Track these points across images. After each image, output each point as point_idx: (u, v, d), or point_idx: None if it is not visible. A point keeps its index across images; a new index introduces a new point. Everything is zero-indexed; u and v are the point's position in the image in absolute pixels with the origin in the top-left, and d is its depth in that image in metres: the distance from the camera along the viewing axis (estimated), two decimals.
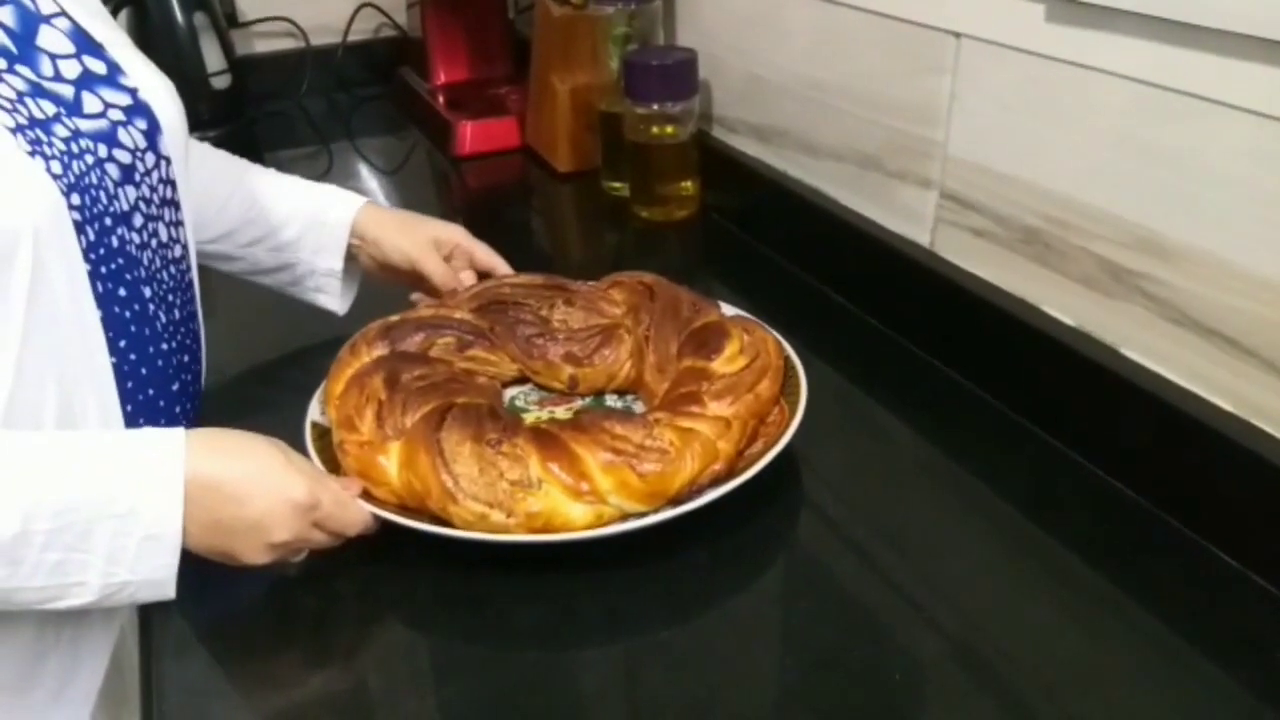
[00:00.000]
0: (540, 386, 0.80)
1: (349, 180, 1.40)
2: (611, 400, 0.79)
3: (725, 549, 0.67)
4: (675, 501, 0.64)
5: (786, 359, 0.76)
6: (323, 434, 0.72)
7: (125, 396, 0.65)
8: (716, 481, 0.65)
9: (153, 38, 1.43)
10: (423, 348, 0.76)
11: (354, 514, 0.64)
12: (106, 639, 0.70)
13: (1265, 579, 0.61)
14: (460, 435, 0.65)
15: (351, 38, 1.68)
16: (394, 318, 0.79)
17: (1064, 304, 0.75)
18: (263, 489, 0.59)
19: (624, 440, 0.64)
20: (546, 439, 0.65)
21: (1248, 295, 0.61)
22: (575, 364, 0.78)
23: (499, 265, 0.89)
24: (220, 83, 1.48)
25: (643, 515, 0.64)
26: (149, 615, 0.64)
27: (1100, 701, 0.55)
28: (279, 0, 1.62)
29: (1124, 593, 0.62)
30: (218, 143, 1.45)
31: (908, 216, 0.88)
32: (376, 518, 0.65)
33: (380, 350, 0.75)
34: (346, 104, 1.68)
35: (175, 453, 0.57)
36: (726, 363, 0.73)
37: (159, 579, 0.57)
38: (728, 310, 0.82)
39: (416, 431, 0.66)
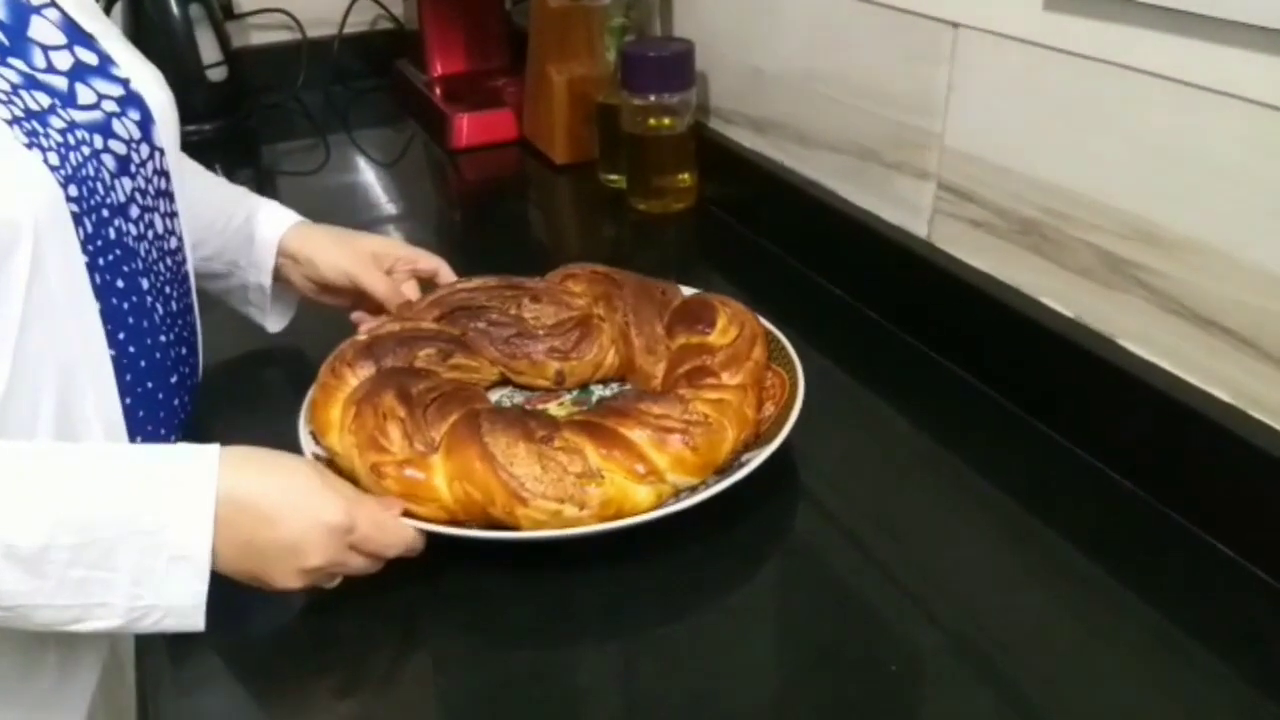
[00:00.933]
0: (522, 387, 0.79)
1: (346, 173, 1.40)
2: (598, 390, 0.79)
3: (722, 542, 0.66)
4: (720, 471, 0.66)
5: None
6: (326, 464, 0.68)
7: (124, 389, 0.65)
8: (749, 447, 0.69)
9: (148, 30, 1.43)
10: (407, 362, 0.74)
11: (393, 534, 0.61)
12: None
13: (1263, 570, 0.61)
14: (508, 438, 0.63)
15: (348, 30, 1.67)
16: (361, 337, 0.76)
17: (1061, 295, 0.74)
18: (297, 510, 0.57)
19: (667, 418, 0.66)
20: (594, 429, 0.65)
21: (1246, 286, 0.61)
22: (561, 358, 0.77)
23: (443, 270, 0.87)
24: (216, 75, 1.48)
25: (694, 490, 0.65)
26: None
27: (1098, 693, 0.55)
28: None
29: (1121, 584, 0.62)
30: (214, 136, 1.46)
31: (905, 208, 0.88)
32: (423, 534, 0.62)
33: (366, 370, 0.72)
34: (343, 96, 1.67)
35: (208, 471, 0.55)
36: (721, 334, 0.76)
37: (186, 605, 0.55)
38: (687, 291, 0.83)
39: (459, 441, 0.64)
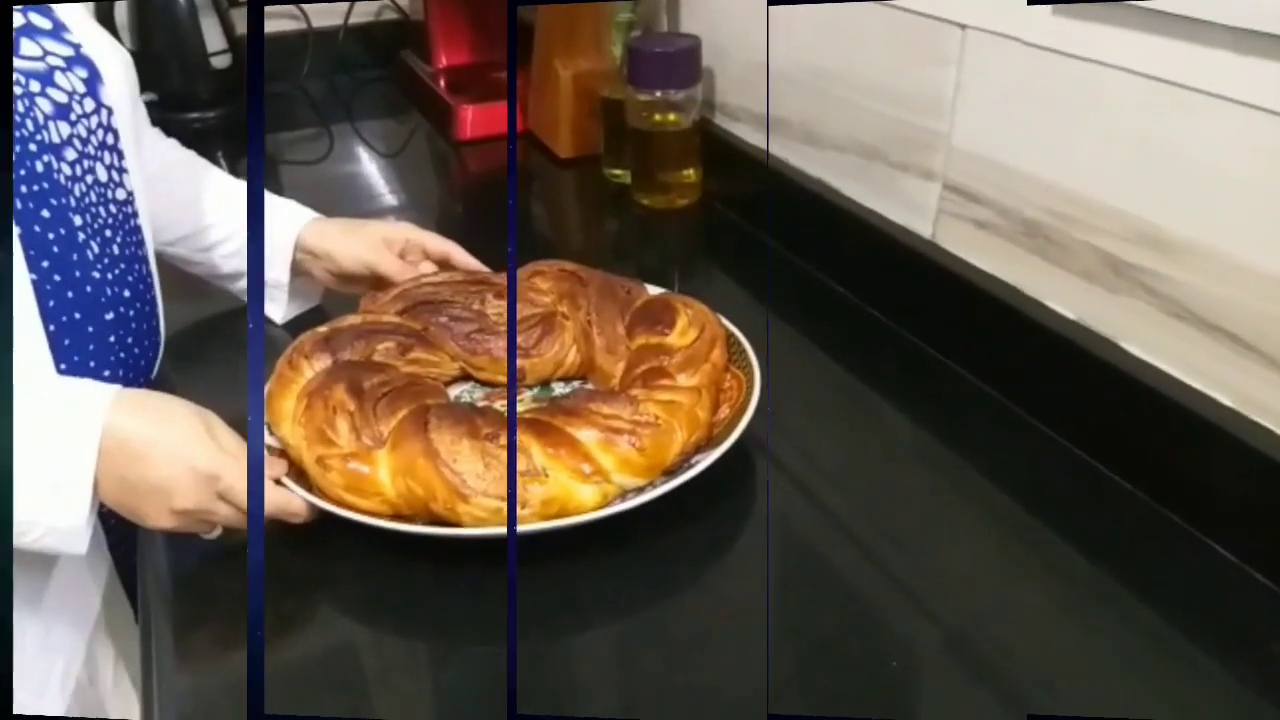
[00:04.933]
0: (483, 383, 0.79)
1: (349, 163, 1.40)
2: (559, 388, 0.79)
3: (721, 535, 0.67)
4: (668, 472, 0.66)
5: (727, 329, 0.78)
6: (280, 455, 0.69)
7: (47, 315, 0.67)
8: (700, 449, 0.68)
9: (153, 16, 1.43)
10: (365, 355, 0.74)
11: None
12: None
13: (1263, 574, 0.61)
14: (454, 434, 0.64)
15: (353, 20, 1.67)
16: (323, 329, 0.76)
17: (1065, 297, 0.74)
18: (168, 453, 0.61)
19: (615, 418, 0.66)
20: (541, 427, 0.65)
21: (1249, 290, 0.61)
22: (522, 355, 0.77)
23: (453, 251, 0.89)
24: (220, 63, 1.48)
25: (640, 490, 0.65)
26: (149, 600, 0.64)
27: (1096, 694, 0.55)
28: None
29: (1121, 585, 0.62)
30: (218, 123, 1.46)
31: (910, 208, 0.88)
32: (312, 507, 0.64)
33: (322, 362, 0.72)
34: (347, 86, 1.67)
35: (97, 406, 0.59)
36: (680, 336, 0.75)
37: (67, 527, 0.59)
38: (653, 290, 0.83)
39: (405, 436, 0.64)
